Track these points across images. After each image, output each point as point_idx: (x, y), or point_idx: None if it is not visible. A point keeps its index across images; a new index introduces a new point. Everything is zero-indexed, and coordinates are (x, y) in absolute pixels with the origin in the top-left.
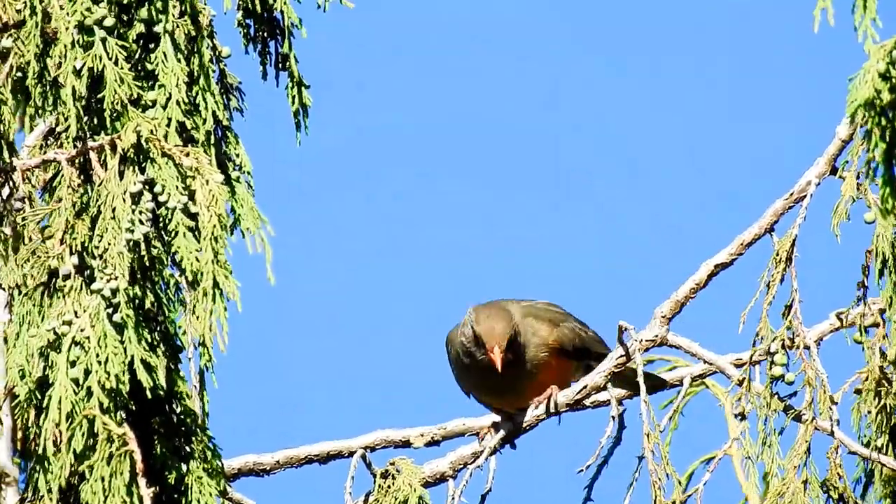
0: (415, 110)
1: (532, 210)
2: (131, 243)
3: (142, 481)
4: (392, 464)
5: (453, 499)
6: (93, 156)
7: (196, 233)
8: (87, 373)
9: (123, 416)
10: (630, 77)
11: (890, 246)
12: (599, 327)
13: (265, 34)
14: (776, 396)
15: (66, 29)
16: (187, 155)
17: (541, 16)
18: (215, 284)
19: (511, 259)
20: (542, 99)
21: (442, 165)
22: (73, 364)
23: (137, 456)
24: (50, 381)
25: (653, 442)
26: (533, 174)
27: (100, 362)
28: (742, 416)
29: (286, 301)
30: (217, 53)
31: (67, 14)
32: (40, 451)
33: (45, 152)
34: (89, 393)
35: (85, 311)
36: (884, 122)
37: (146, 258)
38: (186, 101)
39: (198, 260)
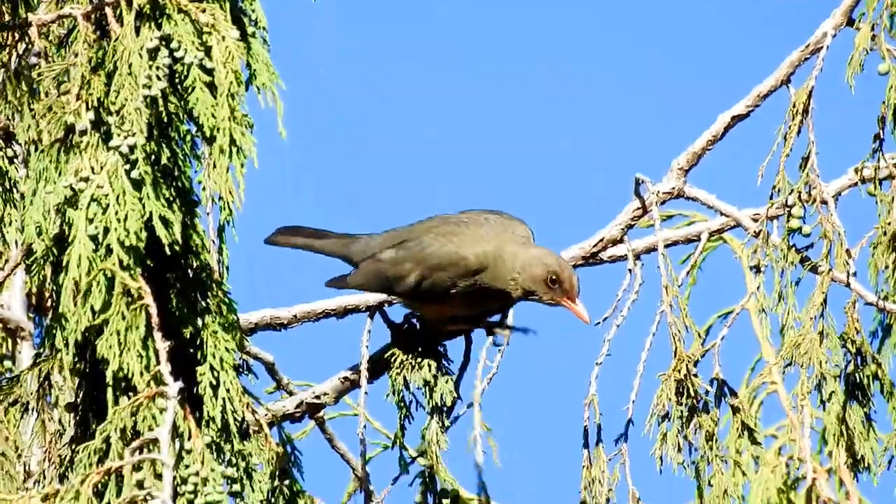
0: None
1: (550, 64)
2: (148, 99)
3: (157, 335)
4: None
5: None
6: (108, 11)
7: (212, 89)
8: (105, 230)
9: (140, 272)
10: None
11: None
12: (616, 180)
13: None
14: (793, 249)
15: None
16: (203, 11)
17: None
18: (232, 141)
19: (528, 114)
20: None
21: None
22: (90, 221)
23: (153, 310)
24: (69, 238)
25: (671, 295)
26: (553, 32)
27: (119, 219)
28: (758, 270)
29: (301, 156)
30: None
31: None
32: (59, 308)
33: (60, 7)
34: (108, 250)
35: (102, 167)
36: None
37: (163, 114)
38: None
39: (214, 116)
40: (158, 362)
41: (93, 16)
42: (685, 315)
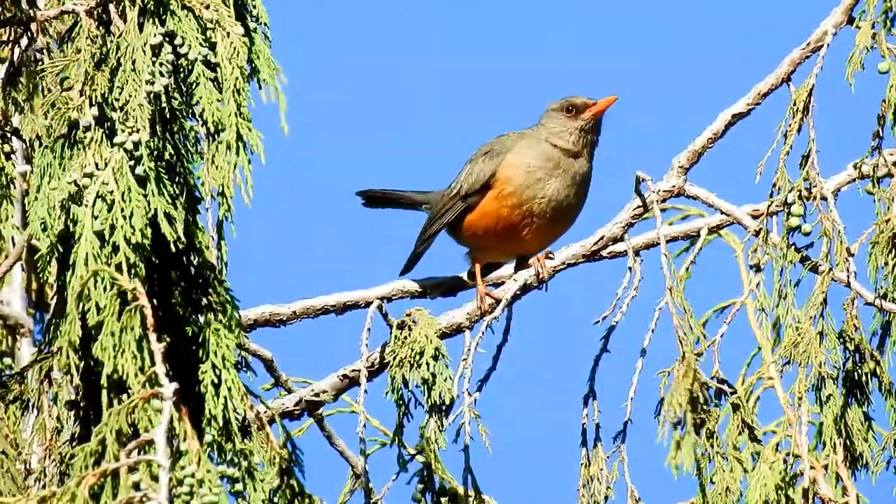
0: None
1: (551, 55)
2: (152, 95)
3: (152, 336)
4: (408, 315)
5: (470, 350)
6: (112, 7)
7: (217, 84)
8: (112, 228)
9: (136, 272)
10: None
11: None
12: (617, 179)
13: None
14: (793, 247)
15: None
16: (207, 7)
17: None
18: (238, 136)
19: (527, 112)
20: None
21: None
22: (96, 218)
23: (148, 311)
24: (75, 236)
25: (676, 296)
26: (554, 23)
27: (125, 217)
28: (757, 268)
29: (302, 151)
30: None
31: None
32: (64, 308)
33: (63, 3)
34: (115, 248)
35: (107, 164)
36: None
37: (167, 110)
38: None
39: (219, 111)
40: (154, 363)
41: (95, 12)
42: (689, 315)
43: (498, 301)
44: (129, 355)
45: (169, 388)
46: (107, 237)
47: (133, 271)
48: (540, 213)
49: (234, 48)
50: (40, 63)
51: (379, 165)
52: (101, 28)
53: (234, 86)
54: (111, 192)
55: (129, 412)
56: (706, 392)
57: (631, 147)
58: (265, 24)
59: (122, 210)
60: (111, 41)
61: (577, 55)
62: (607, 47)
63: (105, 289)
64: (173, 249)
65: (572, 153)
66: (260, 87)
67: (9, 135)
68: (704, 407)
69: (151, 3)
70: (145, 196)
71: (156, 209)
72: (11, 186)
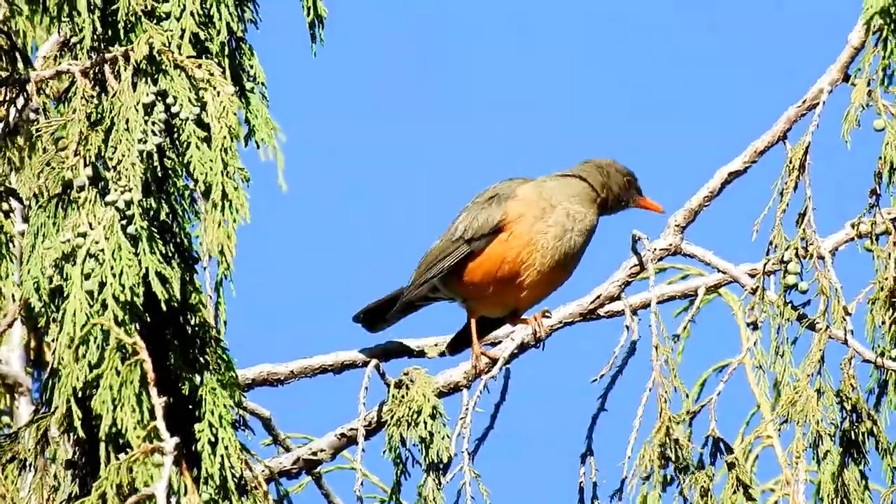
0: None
1: (542, 119)
2: (144, 154)
3: (153, 391)
4: (406, 374)
5: (467, 409)
6: (107, 67)
7: (208, 143)
8: (101, 285)
9: (136, 327)
10: None
11: None
12: (614, 237)
13: None
14: (790, 305)
15: None
16: (199, 66)
17: None
18: (224, 196)
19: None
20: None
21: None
22: (87, 276)
23: (148, 365)
24: (65, 294)
25: (661, 354)
26: (544, 81)
27: (114, 275)
28: (755, 326)
29: (302, 209)
30: None
31: None
32: (54, 364)
33: (59, 63)
34: (104, 305)
35: (99, 223)
36: None
37: (159, 169)
38: (200, 12)
39: (211, 170)
40: (154, 418)
41: (91, 71)
42: (674, 376)
43: (494, 360)
44: (128, 409)
45: (170, 442)
46: (96, 295)
47: (123, 329)
48: (544, 250)
49: (224, 107)
50: (36, 123)
51: (381, 223)
52: (96, 88)
53: (222, 144)
54: (102, 251)
55: (129, 467)
56: (682, 450)
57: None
58: (262, 83)
59: (112, 268)
60: (106, 101)
61: (569, 119)
62: (601, 108)
63: (99, 345)
64: (165, 308)
65: (599, 205)
66: (258, 147)
67: (4, 195)
68: (683, 462)
69: (145, 62)
70: (136, 255)
71: (147, 268)
72: (11, 245)
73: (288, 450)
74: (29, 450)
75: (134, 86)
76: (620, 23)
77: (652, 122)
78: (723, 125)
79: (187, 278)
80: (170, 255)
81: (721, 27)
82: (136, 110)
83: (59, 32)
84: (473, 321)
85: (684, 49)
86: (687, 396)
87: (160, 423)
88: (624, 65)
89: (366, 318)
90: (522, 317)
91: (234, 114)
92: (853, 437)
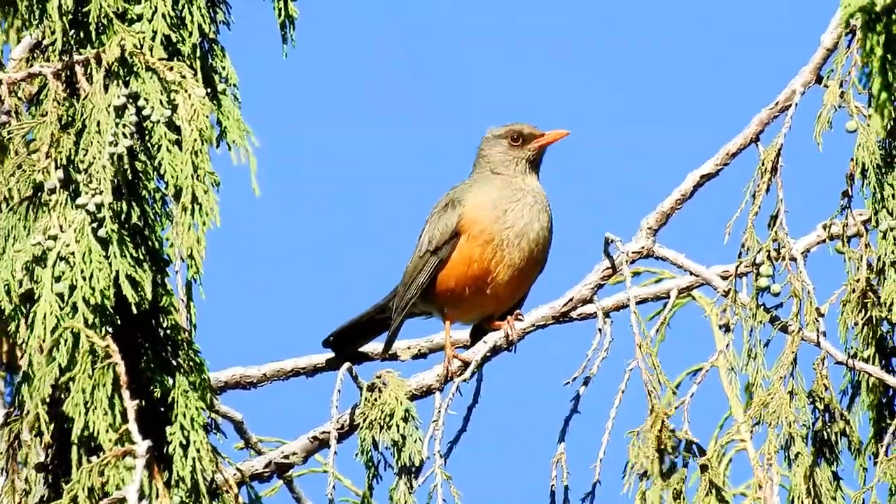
0: (403, 27)
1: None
2: (115, 156)
3: (125, 393)
4: (378, 377)
5: (440, 412)
6: (78, 69)
7: (179, 146)
8: (72, 288)
9: (109, 330)
10: None
11: (871, 155)
12: (585, 240)
13: None
14: (762, 307)
15: None
16: (171, 69)
17: None
18: (194, 199)
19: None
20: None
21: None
22: (57, 279)
23: (121, 368)
24: (35, 297)
25: (645, 352)
26: (518, 90)
27: (84, 277)
28: (727, 328)
29: (274, 212)
30: None
31: None
32: (25, 367)
33: (31, 65)
34: (74, 308)
35: (70, 225)
36: (878, 27)
37: (130, 172)
38: (172, 14)
39: (182, 173)
40: (126, 421)
41: (63, 74)
42: (659, 371)
43: (466, 363)
44: (100, 412)
45: (142, 445)
46: (66, 298)
47: (94, 332)
48: (511, 245)
49: (195, 109)
50: (8, 125)
51: (358, 227)
52: (68, 90)
53: (193, 147)
54: (72, 254)
55: (101, 470)
56: (675, 442)
57: (599, 208)
58: (235, 85)
59: (83, 271)
60: (78, 103)
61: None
62: (572, 109)
63: (69, 348)
64: (135, 311)
65: (525, 172)
66: (230, 149)
67: None
68: (673, 457)
69: (116, 64)
70: (107, 258)
71: (117, 271)
72: None
73: (260, 453)
74: (1, 453)
75: (105, 88)
76: (599, 27)
77: (626, 124)
78: (695, 127)
79: (159, 281)
80: (141, 257)
81: (692, 29)
82: (108, 112)
83: (30, 35)
84: (448, 324)
85: (657, 51)
86: (675, 392)
87: (132, 427)
88: (601, 68)
89: (336, 342)
90: (496, 321)
91: (206, 116)
92: (825, 437)
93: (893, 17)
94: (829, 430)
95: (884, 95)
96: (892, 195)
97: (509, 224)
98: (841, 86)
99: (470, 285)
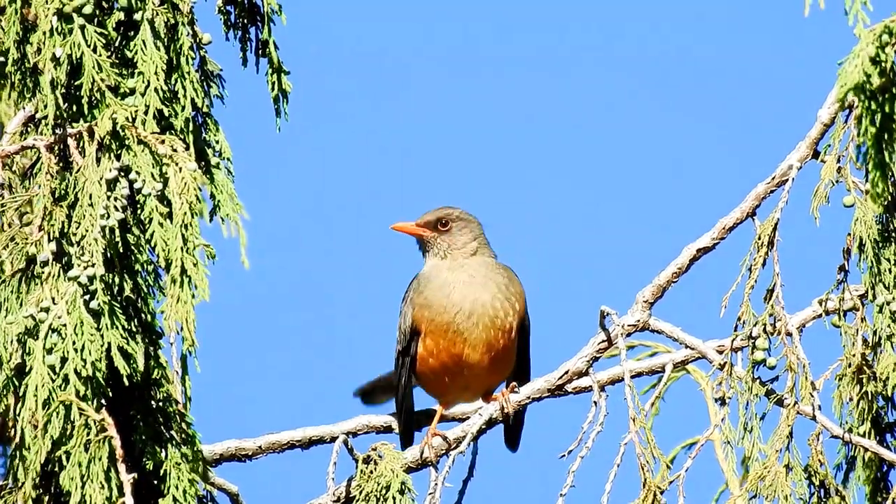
0: (399, 98)
1: (514, 192)
2: (106, 230)
3: (121, 467)
4: (374, 449)
5: (436, 485)
6: (71, 142)
7: (171, 219)
8: (63, 360)
9: (102, 402)
10: (607, 58)
11: (868, 229)
12: (582, 312)
13: (245, 21)
14: (758, 381)
15: (46, 16)
16: (162, 142)
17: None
18: (183, 272)
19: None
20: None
21: (423, 154)
22: (49, 351)
23: (116, 442)
24: (27, 369)
25: (639, 425)
26: (509, 157)
27: (76, 349)
28: (723, 402)
29: (269, 284)
30: (198, 40)
31: (47, 1)
32: (17, 440)
33: (24, 138)
34: (66, 380)
35: (62, 297)
36: (874, 105)
37: (122, 245)
38: (165, 88)
39: (172, 246)
40: (122, 494)
41: (56, 147)
42: (653, 445)
43: (449, 444)
44: (97, 485)
45: None
46: (58, 370)
47: (88, 405)
48: (467, 323)
49: (185, 183)
50: (2, 198)
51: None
52: (61, 163)
53: (183, 220)
54: (64, 326)
55: None
56: None
57: (595, 282)
58: (228, 158)
59: (74, 343)
60: (70, 176)
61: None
62: (568, 182)
63: (61, 420)
64: (127, 383)
65: (459, 259)
66: (223, 222)
67: None
68: None
69: (108, 137)
70: (98, 330)
71: (109, 343)
72: None
73: None
74: None
75: (98, 161)
76: (597, 98)
77: (623, 198)
78: (692, 200)
79: (151, 353)
80: (134, 329)
81: (688, 103)
82: (100, 185)
83: (23, 109)
84: (440, 407)
85: (654, 124)
86: (669, 467)
87: (129, 500)
88: (596, 143)
89: (365, 394)
90: (493, 394)
91: (197, 189)
92: None
93: (888, 95)
94: None
95: (878, 173)
96: (889, 269)
97: (457, 307)
98: (838, 161)
99: (447, 373)
